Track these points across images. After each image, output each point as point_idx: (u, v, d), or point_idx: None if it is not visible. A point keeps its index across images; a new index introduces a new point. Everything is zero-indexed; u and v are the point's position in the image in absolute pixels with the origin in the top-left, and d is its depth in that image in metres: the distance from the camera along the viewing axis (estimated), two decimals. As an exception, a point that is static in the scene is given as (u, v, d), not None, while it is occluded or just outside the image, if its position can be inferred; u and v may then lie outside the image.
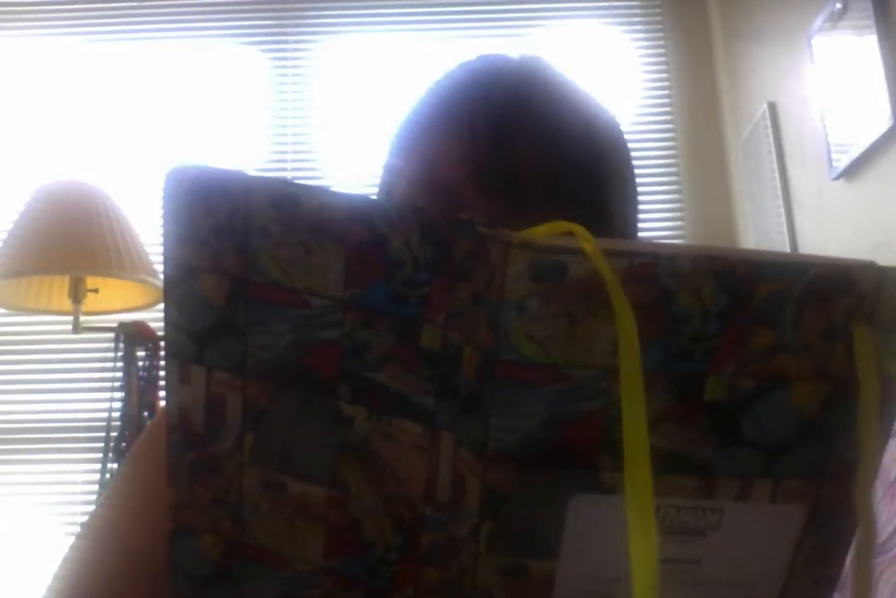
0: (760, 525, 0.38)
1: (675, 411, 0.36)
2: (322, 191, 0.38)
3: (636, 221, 0.66)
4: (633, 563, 0.33)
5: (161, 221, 0.40)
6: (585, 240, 0.33)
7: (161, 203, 0.40)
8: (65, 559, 0.61)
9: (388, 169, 0.65)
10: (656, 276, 0.34)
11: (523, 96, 0.60)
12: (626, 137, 0.66)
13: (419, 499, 0.40)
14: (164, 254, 0.41)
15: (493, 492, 0.37)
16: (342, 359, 0.39)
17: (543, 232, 0.35)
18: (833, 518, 0.39)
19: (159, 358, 2.26)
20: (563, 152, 0.58)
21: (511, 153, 0.58)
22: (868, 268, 0.35)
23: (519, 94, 0.60)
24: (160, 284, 2.24)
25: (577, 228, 0.34)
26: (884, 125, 1.74)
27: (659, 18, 2.83)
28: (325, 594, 0.43)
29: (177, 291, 0.41)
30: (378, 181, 0.67)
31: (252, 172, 0.40)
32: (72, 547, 0.62)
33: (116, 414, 2.24)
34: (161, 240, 0.40)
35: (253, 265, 0.39)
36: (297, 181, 0.39)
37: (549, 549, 0.38)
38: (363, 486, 0.41)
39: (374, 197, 0.61)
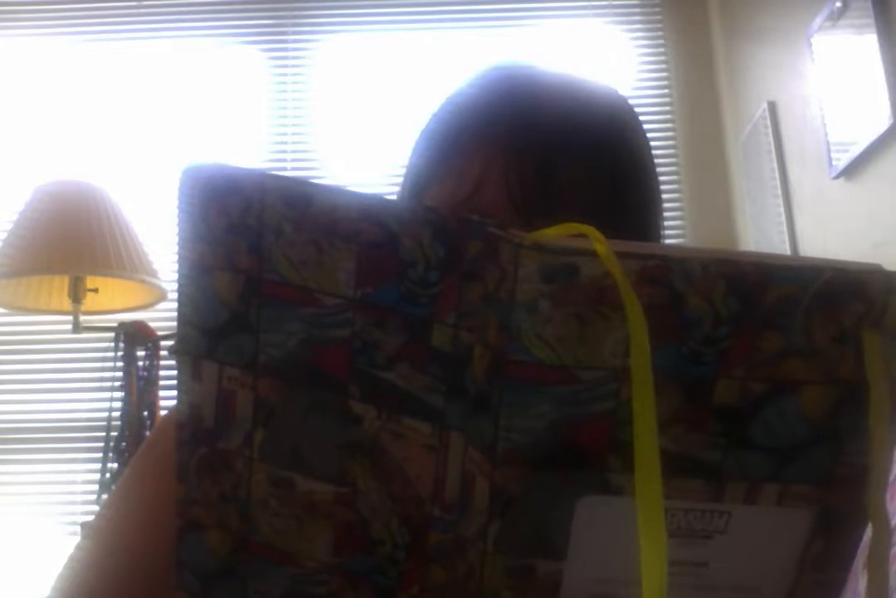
0: (767, 529, 0.38)
1: (685, 414, 0.36)
2: (335, 190, 0.38)
3: (662, 232, 0.66)
4: (642, 566, 0.33)
5: (175, 219, 0.41)
6: (598, 241, 0.33)
7: (175, 201, 0.40)
8: (69, 559, 0.61)
9: (416, 170, 0.64)
10: (668, 279, 0.34)
11: (571, 121, 0.59)
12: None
13: (427, 498, 0.40)
14: (179, 252, 0.41)
15: (502, 492, 0.37)
16: (352, 358, 0.40)
17: (555, 233, 0.35)
18: (841, 523, 0.39)
19: (159, 358, 2.26)
20: (607, 178, 0.58)
21: (557, 184, 0.57)
22: (879, 273, 0.35)
23: (564, 125, 0.59)
24: (160, 284, 2.25)
25: (589, 230, 0.34)
26: (884, 124, 1.74)
27: (659, 18, 2.83)
28: (331, 592, 0.43)
29: (190, 288, 0.41)
30: (398, 178, 0.67)
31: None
32: (76, 547, 0.62)
33: (116, 414, 2.24)
34: (175, 238, 0.41)
35: (266, 263, 0.40)
36: (310, 180, 0.40)
37: (557, 550, 0.38)
38: (371, 484, 0.41)
39: (392, 194, 0.60)
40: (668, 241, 0.68)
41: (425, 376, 0.38)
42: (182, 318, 0.42)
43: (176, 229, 0.41)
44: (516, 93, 0.61)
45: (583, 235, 0.34)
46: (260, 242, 0.39)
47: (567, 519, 0.37)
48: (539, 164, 0.57)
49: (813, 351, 0.36)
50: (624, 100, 0.65)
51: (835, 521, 0.39)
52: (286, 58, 2.84)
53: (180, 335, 0.42)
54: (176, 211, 0.41)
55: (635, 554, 0.35)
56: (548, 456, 0.36)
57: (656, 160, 0.66)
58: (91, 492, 2.34)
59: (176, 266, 0.42)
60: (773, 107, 2.34)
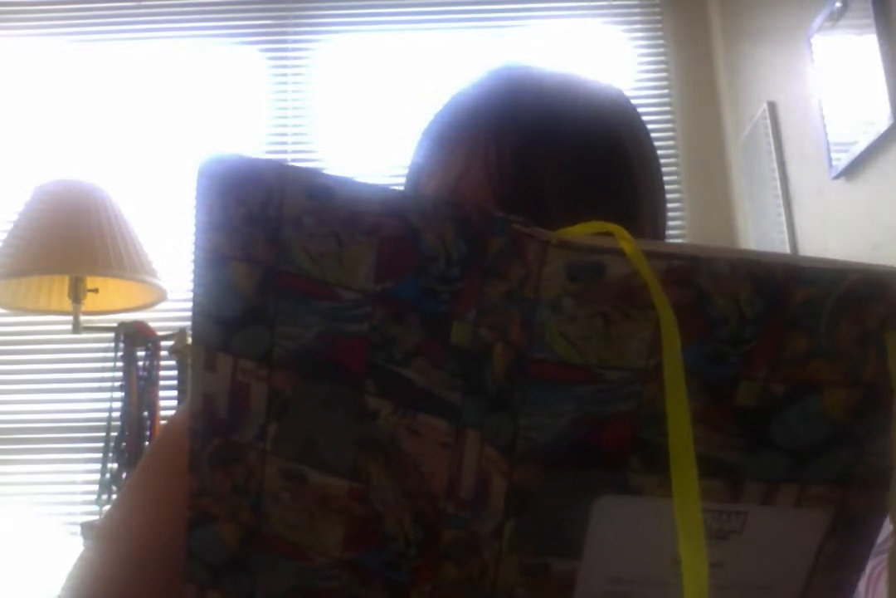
0: (784, 529, 0.38)
1: (707, 415, 0.36)
2: (356, 183, 0.38)
3: (664, 227, 0.65)
4: (683, 568, 0.33)
5: (193, 209, 0.40)
6: (625, 240, 0.33)
7: (194, 190, 0.40)
8: (80, 559, 0.61)
9: (417, 169, 0.65)
10: (694, 279, 0.34)
11: (550, 119, 0.59)
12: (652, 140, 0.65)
13: (441, 495, 0.40)
14: (195, 241, 0.40)
15: (519, 491, 0.37)
16: (370, 352, 0.39)
17: (580, 231, 0.35)
18: (857, 524, 0.39)
19: (159, 358, 2.25)
20: (588, 174, 0.58)
21: (535, 178, 0.57)
22: None
23: (546, 115, 0.59)
24: (160, 283, 2.24)
25: (616, 228, 0.34)
26: (883, 124, 1.74)
27: (659, 18, 2.83)
28: (342, 587, 0.43)
29: (206, 278, 0.41)
30: (399, 180, 0.67)
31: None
32: (86, 547, 0.62)
33: (116, 414, 2.23)
34: (190, 228, 0.40)
35: (284, 255, 0.39)
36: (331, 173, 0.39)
37: (573, 549, 0.38)
38: (385, 480, 0.41)
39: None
40: (667, 240, 0.67)
41: (443, 372, 0.38)
42: (197, 308, 0.41)
43: (193, 219, 0.40)
44: (514, 91, 0.61)
45: (608, 234, 0.34)
46: (278, 234, 0.39)
47: (584, 518, 0.37)
48: (516, 154, 0.57)
49: (836, 352, 0.36)
50: (623, 97, 0.64)
51: (851, 522, 0.38)
52: (286, 58, 2.84)
53: (195, 325, 0.42)
54: (193, 200, 0.40)
55: (652, 554, 0.35)
56: (567, 455, 0.36)
57: (656, 160, 0.66)
58: (91, 492, 2.34)
59: (190, 258, 0.41)
60: (773, 107, 2.35)
